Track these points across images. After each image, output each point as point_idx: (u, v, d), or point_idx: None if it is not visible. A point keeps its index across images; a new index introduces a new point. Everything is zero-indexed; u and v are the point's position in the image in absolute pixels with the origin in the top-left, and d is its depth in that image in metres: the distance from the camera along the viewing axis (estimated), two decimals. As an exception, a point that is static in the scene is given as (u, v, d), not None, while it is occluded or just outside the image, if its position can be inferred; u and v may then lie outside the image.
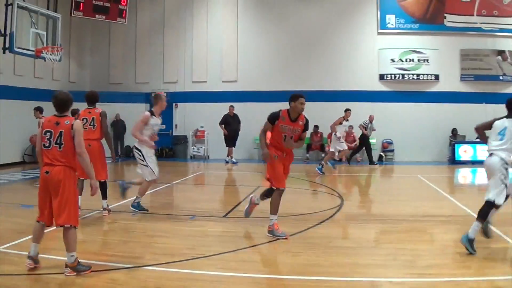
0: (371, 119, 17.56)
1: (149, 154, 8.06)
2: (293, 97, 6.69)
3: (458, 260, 5.64)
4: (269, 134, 6.87)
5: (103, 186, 7.94)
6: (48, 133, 5.01)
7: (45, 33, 14.53)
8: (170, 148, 20.79)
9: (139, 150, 7.98)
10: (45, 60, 14.70)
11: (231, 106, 18.52)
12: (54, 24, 15.08)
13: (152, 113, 8.01)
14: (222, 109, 19.09)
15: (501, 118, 5.98)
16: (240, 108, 19.10)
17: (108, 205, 8.19)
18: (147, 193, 8.91)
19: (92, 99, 8.19)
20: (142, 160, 7.98)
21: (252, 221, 7.57)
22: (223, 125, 18.19)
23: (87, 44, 21.03)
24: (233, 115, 18.48)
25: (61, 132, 5.01)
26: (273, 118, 6.71)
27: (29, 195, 9.10)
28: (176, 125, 21.14)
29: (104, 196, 8.08)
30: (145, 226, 7.39)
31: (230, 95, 20.15)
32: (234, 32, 20.54)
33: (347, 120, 15.75)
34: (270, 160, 6.64)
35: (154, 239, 6.63)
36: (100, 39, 21.47)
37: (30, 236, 5.24)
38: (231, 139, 18.36)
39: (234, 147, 18.56)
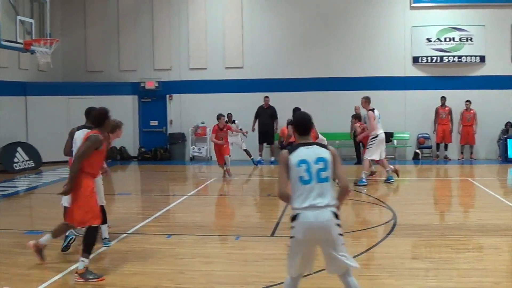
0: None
1: None
2: None
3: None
4: None
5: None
6: None
7: (32, 21, 14.01)
8: (165, 148, 20.07)
9: None
10: (31, 54, 14.05)
11: (266, 97, 18.52)
12: (40, 9, 14.57)
13: None
14: (226, 100, 18.73)
15: None
16: (247, 100, 18.89)
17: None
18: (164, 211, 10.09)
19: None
20: None
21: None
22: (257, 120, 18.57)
23: (56, 23, 18.61)
24: (267, 107, 18.62)
25: None
26: None
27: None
28: (171, 120, 20.43)
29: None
30: (189, 251, 7.52)
31: (235, 84, 19.53)
32: (238, 9, 19.75)
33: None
34: None
35: (211, 267, 6.80)
36: (73, 17, 20.49)
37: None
38: (261, 134, 18.52)
39: (268, 144, 18.67)
